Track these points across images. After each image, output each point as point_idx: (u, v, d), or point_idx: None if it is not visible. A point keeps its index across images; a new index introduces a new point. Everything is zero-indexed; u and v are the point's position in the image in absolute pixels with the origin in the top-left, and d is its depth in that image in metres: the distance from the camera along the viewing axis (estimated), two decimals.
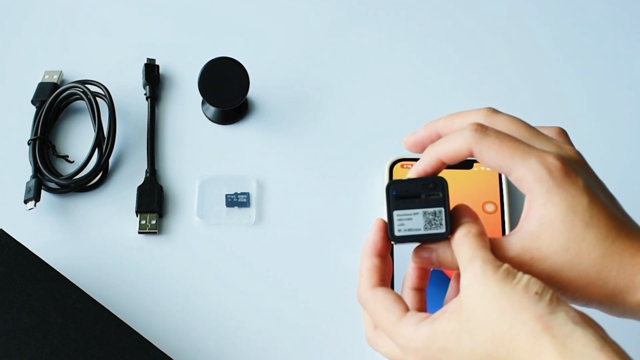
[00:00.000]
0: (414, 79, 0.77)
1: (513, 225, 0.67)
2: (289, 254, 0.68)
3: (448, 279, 0.63)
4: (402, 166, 0.70)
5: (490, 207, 0.68)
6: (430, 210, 0.49)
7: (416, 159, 0.58)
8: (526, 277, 0.44)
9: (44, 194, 0.70)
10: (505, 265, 0.45)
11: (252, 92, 0.75)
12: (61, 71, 0.76)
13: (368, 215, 0.69)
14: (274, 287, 0.67)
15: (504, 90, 0.77)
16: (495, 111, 0.51)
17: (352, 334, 0.63)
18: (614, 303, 0.47)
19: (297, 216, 0.70)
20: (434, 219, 0.48)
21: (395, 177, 0.69)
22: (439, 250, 0.49)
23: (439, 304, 0.48)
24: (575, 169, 0.47)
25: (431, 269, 0.52)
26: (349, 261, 0.66)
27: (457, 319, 0.45)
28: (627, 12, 0.82)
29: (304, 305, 0.66)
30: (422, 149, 0.51)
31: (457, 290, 0.47)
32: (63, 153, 0.73)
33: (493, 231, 0.67)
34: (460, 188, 0.69)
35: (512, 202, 0.68)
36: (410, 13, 0.81)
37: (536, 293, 0.44)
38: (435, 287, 0.61)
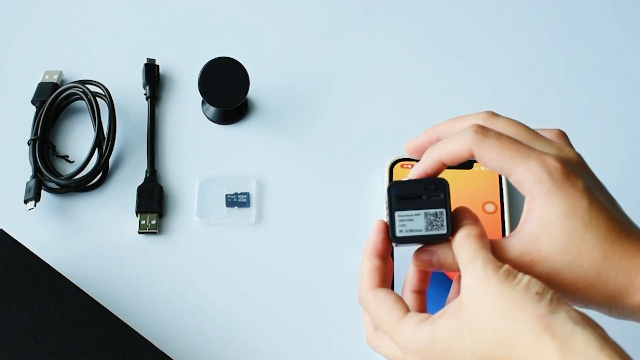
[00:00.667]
0: (414, 79, 0.77)
1: (513, 226, 0.67)
2: (288, 254, 0.68)
3: (449, 281, 0.63)
4: (402, 166, 0.70)
5: (490, 207, 0.68)
6: (432, 211, 0.49)
7: (416, 160, 0.58)
8: (527, 277, 0.45)
9: (44, 194, 0.70)
10: (506, 266, 0.45)
11: (252, 92, 0.75)
12: (61, 71, 0.76)
13: (368, 215, 0.69)
14: (274, 287, 0.67)
15: (504, 91, 0.77)
16: (495, 114, 0.51)
17: (352, 334, 0.63)
18: (614, 304, 0.47)
19: (297, 216, 0.70)
20: (435, 220, 0.49)
21: (395, 177, 0.69)
22: (440, 252, 0.49)
23: (440, 305, 0.48)
24: (575, 171, 0.47)
25: (431, 272, 0.52)
26: (349, 261, 0.66)
27: (458, 319, 0.45)
28: (627, 14, 0.81)
29: (304, 305, 0.66)
30: (423, 154, 0.51)
31: (459, 292, 0.47)
32: (63, 153, 0.73)
33: (493, 231, 0.67)
34: (460, 188, 0.69)
35: (512, 202, 0.68)
36: (411, 14, 0.81)
37: (537, 293, 0.44)
38: (436, 288, 0.61)
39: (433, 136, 0.52)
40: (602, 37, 0.80)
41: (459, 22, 0.81)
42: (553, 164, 0.47)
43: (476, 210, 0.67)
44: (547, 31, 0.81)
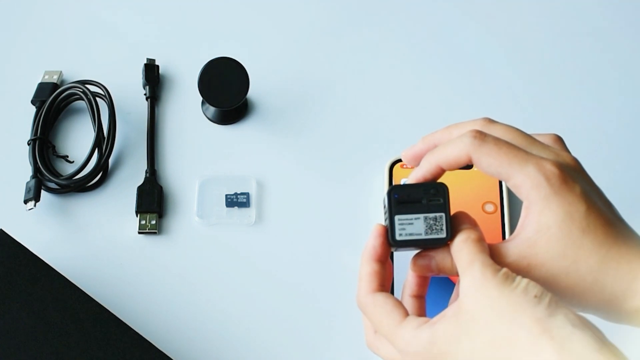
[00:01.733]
0: (413, 80, 0.77)
1: (513, 226, 0.67)
2: (288, 254, 0.68)
3: (452, 284, 0.63)
4: (402, 166, 0.70)
5: (490, 207, 0.68)
6: (431, 215, 0.49)
7: None
8: (525, 280, 0.45)
9: (44, 194, 0.70)
10: (504, 269, 0.45)
11: (252, 92, 0.75)
12: (61, 71, 0.76)
13: (368, 215, 0.69)
14: (274, 288, 0.67)
15: (502, 92, 0.77)
16: (491, 121, 0.51)
17: (352, 335, 0.63)
18: (611, 309, 0.47)
19: (297, 216, 0.70)
20: (435, 224, 0.49)
21: (395, 177, 0.69)
22: (438, 257, 0.49)
23: (443, 308, 0.48)
24: (572, 176, 0.48)
25: (431, 276, 0.52)
26: (349, 261, 0.66)
27: (457, 322, 0.45)
28: (628, 15, 0.81)
29: (303, 305, 0.66)
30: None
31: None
32: (63, 153, 0.73)
33: (493, 231, 0.67)
34: (460, 188, 0.69)
35: (512, 202, 0.68)
36: (411, 14, 0.81)
37: (535, 296, 0.44)
38: (439, 291, 0.61)
39: (431, 144, 0.52)
40: (603, 40, 0.80)
41: (458, 24, 0.81)
42: (551, 169, 0.47)
43: (476, 210, 0.68)
44: (546, 34, 0.80)
